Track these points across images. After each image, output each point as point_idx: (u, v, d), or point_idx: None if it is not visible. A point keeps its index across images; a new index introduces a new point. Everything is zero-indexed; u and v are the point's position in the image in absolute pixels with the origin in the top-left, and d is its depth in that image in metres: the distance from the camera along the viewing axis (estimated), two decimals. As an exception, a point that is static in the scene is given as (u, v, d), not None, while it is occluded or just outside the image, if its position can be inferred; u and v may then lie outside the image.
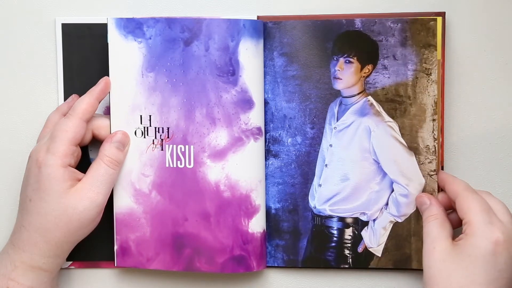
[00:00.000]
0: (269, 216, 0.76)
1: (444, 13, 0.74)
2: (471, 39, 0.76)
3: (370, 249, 0.76)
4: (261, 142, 0.74)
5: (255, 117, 0.74)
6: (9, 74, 0.78)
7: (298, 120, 0.75)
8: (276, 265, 0.77)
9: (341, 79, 0.74)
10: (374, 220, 0.75)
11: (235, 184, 0.74)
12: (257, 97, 0.74)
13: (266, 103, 0.75)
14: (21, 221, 0.71)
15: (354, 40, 0.74)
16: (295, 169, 0.76)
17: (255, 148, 0.74)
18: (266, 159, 0.76)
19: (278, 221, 0.76)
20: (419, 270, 0.75)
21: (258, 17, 0.76)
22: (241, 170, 0.74)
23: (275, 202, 0.76)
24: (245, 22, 0.73)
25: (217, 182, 0.74)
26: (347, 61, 0.74)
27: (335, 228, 0.76)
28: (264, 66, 0.75)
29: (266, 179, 0.76)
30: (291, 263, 0.76)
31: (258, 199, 0.74)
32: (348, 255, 0.76)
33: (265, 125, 0.75)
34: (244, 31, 0.73)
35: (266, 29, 0.75)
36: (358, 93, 0.75)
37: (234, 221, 0.74)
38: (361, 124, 0.75)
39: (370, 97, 0.74)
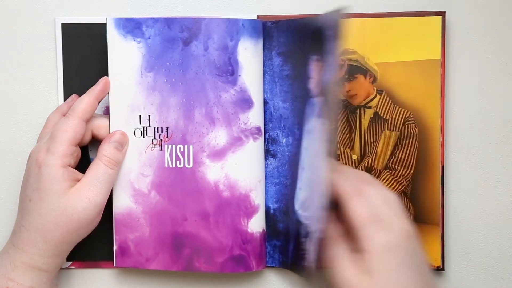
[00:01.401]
0: (268, 216, 0.76)
1: (444, 12, 0.74)
2: (471, 39, 0.76)
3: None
4: (260, 142, 0.74)
5: (254, 117, 0.74)
6: (9, 74, 0.78)
7: (290, 120, 0.75)
8: (274, 265, 0.77)
9: (313, 78, 0.72)
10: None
11: (234, 184, 0.74)
12: (256, 97, 0.74)
13: (265, 103, 0.75)
14: (20, 221, 0.71)
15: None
16: (287, 170, 0.75)
17: (255, 148, 0.74)
18: (266, 159, 0.76)
19: (275, 221, 0.76)
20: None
21: (257, 16, 0.76)
22: (241, 170, 0.74)
23: (273, 202, 0.76)
24: (244, 22, 0.73)
25: (216, 182, 0.74)
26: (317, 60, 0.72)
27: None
28: (263, 66, 0.75)
29: (265, 179, 0.76)
30: (284, 265, 0.76)
31: (258, 199, 0.74)
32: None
33: (264, 125, 0.75)
34: (243, 31, 0.72)
35: (265, 29, 0.75)
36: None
37: (234, 221, 0.74)
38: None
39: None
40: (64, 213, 0.69)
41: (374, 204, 0.65)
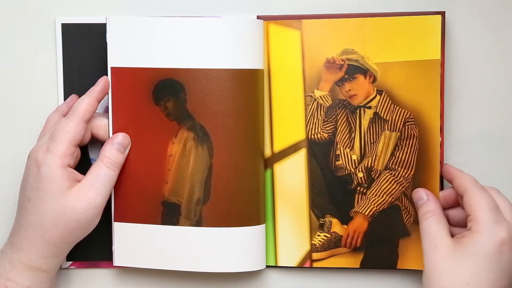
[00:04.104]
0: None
1: (444, 12, 0.73)
2: (471, 39, 0.76)
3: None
4: None
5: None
6: (9, 74, 0.78)
7: None
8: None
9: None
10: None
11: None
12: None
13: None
14: (19, 221, 0.71)
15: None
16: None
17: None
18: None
19: (277, 220, 0.77)
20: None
21: (258, 17, 0.76)
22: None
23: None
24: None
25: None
26: None
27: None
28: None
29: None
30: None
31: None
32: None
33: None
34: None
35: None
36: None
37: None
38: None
39: None
40: (63, 214, 0.69)
41: (499, 202, 0.68)
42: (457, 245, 0.67)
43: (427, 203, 0.71)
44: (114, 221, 0.75)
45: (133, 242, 0.75)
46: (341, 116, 0.76)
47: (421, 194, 0.72)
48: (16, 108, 0.78)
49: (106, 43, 0.73)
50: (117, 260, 0.76)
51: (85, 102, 0.72)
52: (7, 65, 0.78)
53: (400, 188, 0.75)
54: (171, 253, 0.74)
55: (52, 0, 0.78)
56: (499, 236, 0.65)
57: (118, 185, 0.74)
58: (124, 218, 0.75)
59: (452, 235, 0.69)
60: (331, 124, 0.76)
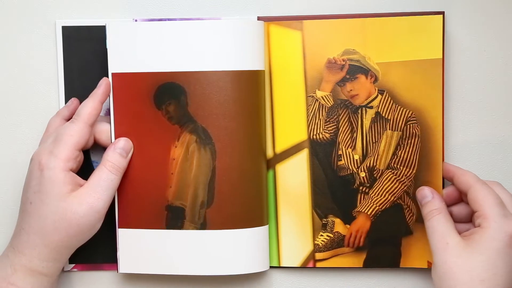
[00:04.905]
0: (271, 216, 0.77)
1: (444, 12, 0.74)
2: (471, 39, 0.76)
3: (372, 249, 0.76)
4: None
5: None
6: (10, 77, 0.78)
7: None
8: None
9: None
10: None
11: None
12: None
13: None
14: (21, 224, 0.70)
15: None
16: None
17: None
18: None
19: (280, 220, 0.77)
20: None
21: (258, 17, 0.76)
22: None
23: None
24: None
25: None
26: None
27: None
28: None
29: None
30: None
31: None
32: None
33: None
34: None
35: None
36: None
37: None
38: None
39: None
40: (64, 218, 0.69)
41: (502, 196, 0.69)
42: (468, 242, 0.67)
43: (433, 201, 0.71)
44: (118, 227, 0.75)
45: (138, 248, 0.75)
46: (342, 116, 0.76)
47: (425, 192, 0.73)
48: (16, 111, 0.78)
49: (106, 48, 0.73)
50: (122, 267, 0.75)
51: (89, 105, 0.72)
52: (8, 67, 0.78)
53: (403, 187, 0.75)
54: (176, 257, 0.74)
55: (53, 3, 0.77)
56: (509, 229, 0.66)
57: (122, 191, 0.74)
58: (128, 224, 0.74)
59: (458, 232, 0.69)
60: (333, 124, 0.76)
